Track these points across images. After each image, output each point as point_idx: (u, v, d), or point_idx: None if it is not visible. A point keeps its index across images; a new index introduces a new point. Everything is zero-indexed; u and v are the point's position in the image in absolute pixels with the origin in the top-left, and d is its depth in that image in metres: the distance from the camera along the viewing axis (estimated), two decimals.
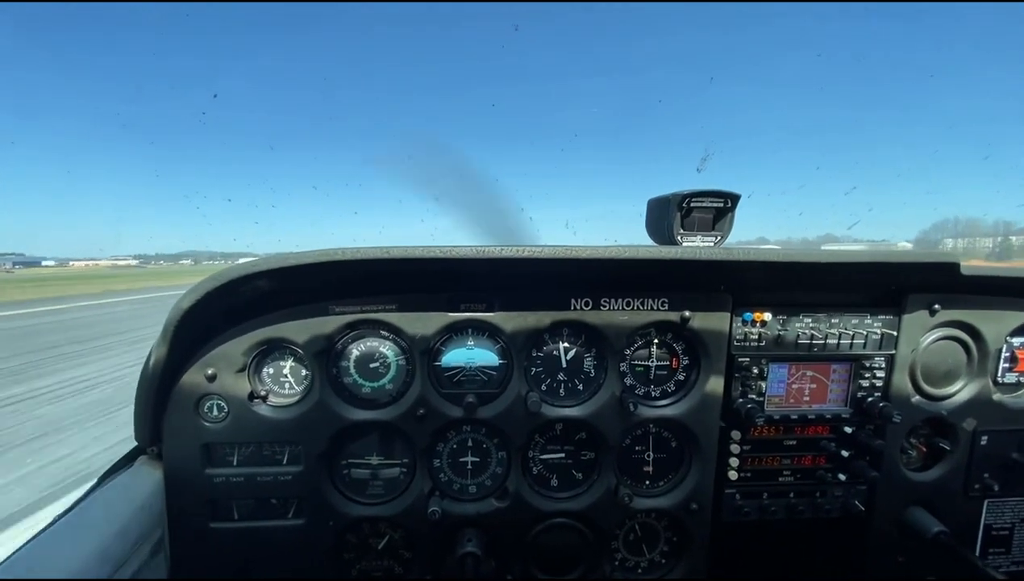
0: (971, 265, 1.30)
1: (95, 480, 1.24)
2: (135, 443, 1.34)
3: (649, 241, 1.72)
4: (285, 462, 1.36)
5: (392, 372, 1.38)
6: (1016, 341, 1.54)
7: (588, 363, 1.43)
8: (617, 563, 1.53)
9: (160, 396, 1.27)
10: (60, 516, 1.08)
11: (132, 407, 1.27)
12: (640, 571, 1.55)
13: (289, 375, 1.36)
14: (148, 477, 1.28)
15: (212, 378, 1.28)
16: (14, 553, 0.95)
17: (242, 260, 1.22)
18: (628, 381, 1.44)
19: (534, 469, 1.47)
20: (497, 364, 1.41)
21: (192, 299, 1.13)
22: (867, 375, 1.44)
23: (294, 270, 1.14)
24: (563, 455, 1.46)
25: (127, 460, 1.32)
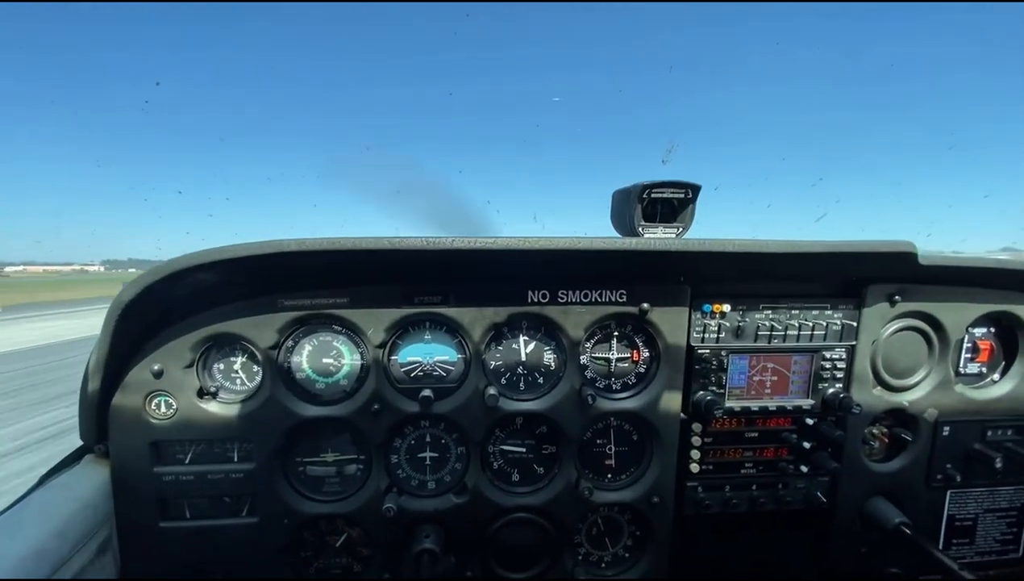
0: (930, 254, 1.29)
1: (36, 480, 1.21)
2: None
3: (615, 233, 1.70)
4: (237, 459, 1.34)
5: (346, 367, 1.35)
6: (977, 331, 1.54)
7: (548, 356, 1.41)
8: (580, 557, 1.52)
9: (105, 393, 1.24)
10: None
11: None
12: (603, 565, 1.54)
13: (240, 371, 1.34)
14: (94, 476, 1.25)
15: (159, 374, 1.25)
16: None
17: None
18: (588, 374, 1.43)
19: (494, 464, 1.45)
20: (455, 359, 1.39)
21: (133, 292, 1.10)
22: (828, 367, 1.44)
23: (238, 262, 1.11)
24: (523, 449, 1.45)
25: (72, 459, 1.29)
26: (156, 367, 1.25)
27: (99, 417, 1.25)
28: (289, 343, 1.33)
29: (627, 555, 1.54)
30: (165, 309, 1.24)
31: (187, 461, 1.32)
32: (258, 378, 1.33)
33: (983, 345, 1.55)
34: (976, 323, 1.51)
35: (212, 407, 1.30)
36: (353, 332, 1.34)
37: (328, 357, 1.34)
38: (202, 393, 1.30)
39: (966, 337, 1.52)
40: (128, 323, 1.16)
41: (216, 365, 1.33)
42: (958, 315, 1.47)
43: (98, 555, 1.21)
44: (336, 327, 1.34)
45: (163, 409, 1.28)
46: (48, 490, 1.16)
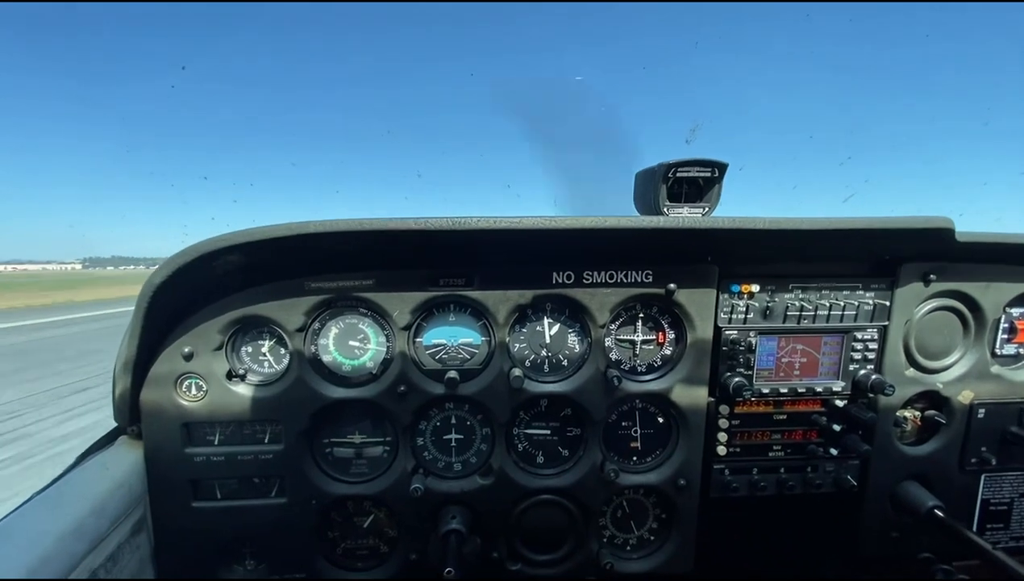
0: (967, 231, 1.26)
1: (73, 460, 1.23)
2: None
3: (637, 215, 1.68)
4: (266, 441, 1.35)
5: (372, 350, 1.36)
6: (1015, 311, 1.49)
7: (572, 338, 1.40)
8: (605, 540, 1.52)
9: (137, 375, 1.26)
10: (35, 494, 1.07)
11: None
12: (628, 548, 1.53)
13: (268, 353, 1.35)
14: (128, 456, 1.27)
15: (189, 357, 1.27)
16: None
17: None
18: (613, 356, 1.42)
19: (519, 446, 1.45)
20: (479, 340, 1.38)
21: (163, 275, 1.12)
22: (859, 347, 1.41)
23: (266, 244, 1.11)
24: (548, 431, 1.44)
25: (107, 440, 1.31)
26: (186, 350, 1.26)
27: (132, 399, 1.27)
28: (316, 325, 1.33)
29: (652, 538, 1.53)
30: (194, 292, 1.25)
31: (217, 442, 1.34)
32: (285, 360, 1.34)
33: (1021, 325, 1.50)
34: (1014, 302, 1.46)
35: (241, 389, 1.31)
36: (379, 314, 1.34)
37: (354, 339, 1.35)
38: (231, 375, 1.31)
39: (1003, 317, 1.47)
40: (159, 306, 1.17)
41: (244, 348, 1.35)
42: (995, 294, 1.43)
43: (133, 533, 1.23)
44: (362, 310, 1.34)
45: (193, 391, 1.30)
46: (85, 469, 1.19)
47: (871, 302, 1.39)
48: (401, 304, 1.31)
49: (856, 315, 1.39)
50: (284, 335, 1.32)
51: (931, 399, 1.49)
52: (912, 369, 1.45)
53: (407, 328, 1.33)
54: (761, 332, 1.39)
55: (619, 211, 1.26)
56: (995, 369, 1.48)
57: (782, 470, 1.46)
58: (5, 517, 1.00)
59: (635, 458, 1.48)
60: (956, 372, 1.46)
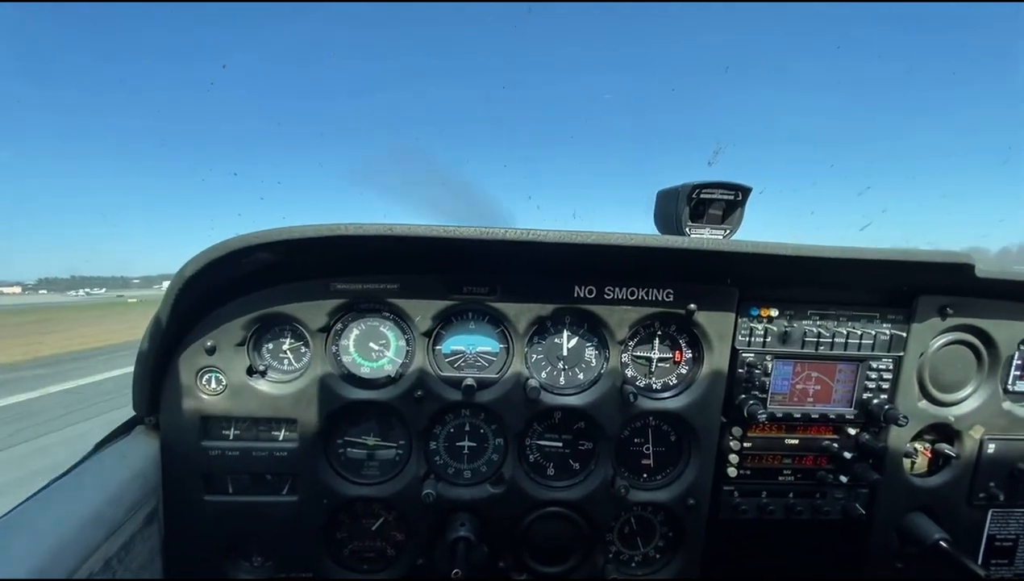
0: (987, 269, 1.27)
1: (92, 447, 1.24)
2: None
3: (657, 233, 1.69)
4: (281, 438, 1.36)
5: (392, 353, 1.37)
6: None
7: (589, 352, 1.42)
8: (611, 556, 1.52)
9: (160, 366, 1.27)
10: (55, 480, 1.08)
11: None
12: (634, 565, 1.53)
13: (288, 352, 1.36)
14: (145, 447, 1.28)
15: (212, 351, 1.28)
16: (8, 513, 0.96)
17: None
18: (629, 372, 1.43)
19: (531, 457, 1.45)
20: (497, 349, 1.39)
21: (194, 268, 1.13)
22: (874, 377, 1.42)
23: (297, 243, 1.13)
24: (561, 444, 1.45)
25: (125, 429, 1.32)
26: (209, 344, 1.27)
27: (152, 390, 1.28)
28: (338, 326, 1.34)
29: (658, 556, 1.54)
30: (221, 287, 1.26)
31: (232, 437, 1.35)
32: (306, 359, 1.35)
33: None
34: None
35: (260, 386, 1.32)
36: (400, 318, 1.35)
37: (375, 342, 1.36)
38: (251, 371, 1.32)
39: (1017, 354, 1.48)
40: (187, 299, 1.18)
41: (266, 345, 1.36)
42: (1010, 331, 1.44)
43: (145, 524, 1.23)
44: (385, 313, 1.35)
45: (213, 385, 1.31)
46: (103, 457, 1.20)
47: (888, 332, 1.40)
48: (424, 309, 1.32)
49: (873, 345, 1.40)
50: (306, 334, 1.33)
51: (942, 432, 1.50)
52: (925, 401, 1.46)
53: (427, 334, 1.34)
54: (778, 356, 1.40)
55: (636, 227, 1.27)
56: (1007, 405, 1.49)
57: (791, 495, 1.46)
58: (24, 502, 1.01)
59: (646, 475, 1.48)
60: (968, 406, 1.47)
